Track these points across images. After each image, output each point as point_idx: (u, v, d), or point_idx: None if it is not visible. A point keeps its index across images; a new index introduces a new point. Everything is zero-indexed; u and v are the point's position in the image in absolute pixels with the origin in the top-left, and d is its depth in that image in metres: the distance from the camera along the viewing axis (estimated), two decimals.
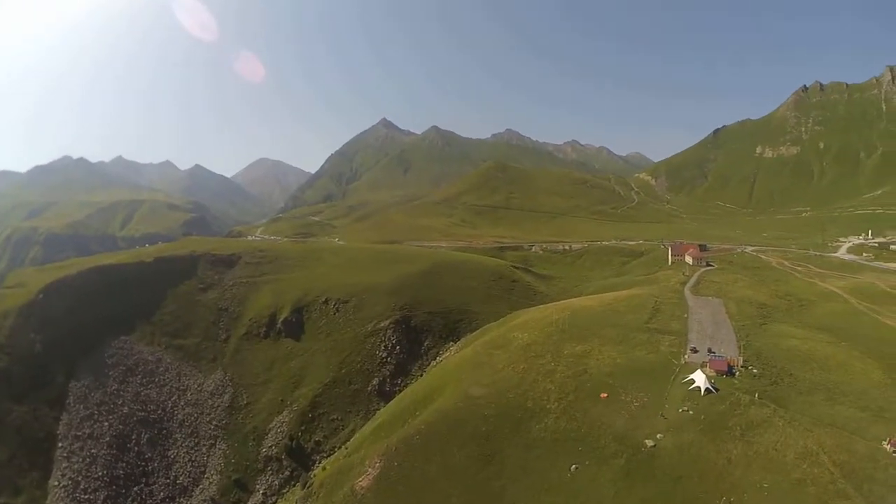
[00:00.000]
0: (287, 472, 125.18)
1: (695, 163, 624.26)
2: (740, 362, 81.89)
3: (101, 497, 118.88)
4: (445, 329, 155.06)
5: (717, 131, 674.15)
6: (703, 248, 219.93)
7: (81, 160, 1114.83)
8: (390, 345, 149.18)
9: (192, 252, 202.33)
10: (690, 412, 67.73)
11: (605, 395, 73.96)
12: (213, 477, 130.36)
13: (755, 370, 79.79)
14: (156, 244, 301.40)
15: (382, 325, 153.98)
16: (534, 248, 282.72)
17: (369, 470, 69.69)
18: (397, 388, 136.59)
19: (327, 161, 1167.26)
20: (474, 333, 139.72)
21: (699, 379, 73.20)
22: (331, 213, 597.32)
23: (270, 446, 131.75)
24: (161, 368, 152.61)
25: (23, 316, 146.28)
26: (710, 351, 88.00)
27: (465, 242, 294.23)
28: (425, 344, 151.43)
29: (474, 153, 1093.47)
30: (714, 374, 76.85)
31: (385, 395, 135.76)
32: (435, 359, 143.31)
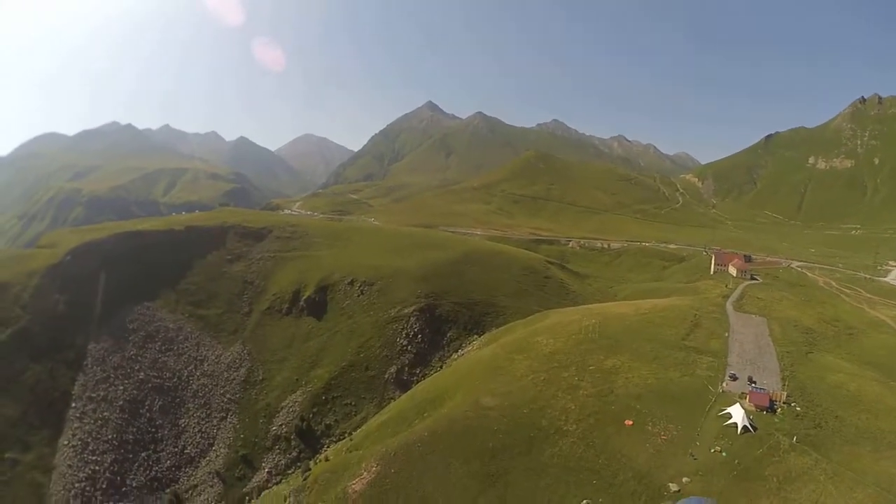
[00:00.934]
0: (294, 453, 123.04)
1: (744, 168, 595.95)
2: (783, 397, 74.29)
3: (109, 460, 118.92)
4: (471, 321, 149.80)
5: (769, 137, 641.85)
6: (747, 259, 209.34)
7: (129, 126, 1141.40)
8: (412, 333, 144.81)
9: (223, 223, 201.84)
10: (724, 454, 61.19)
11: (630, 422, 67.71)
12: (221, 450, 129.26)
13: (798, 408, 72.38)
14: (193, 212, 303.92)
15: (406, 311, 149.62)
16: (571, 243, 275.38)
17: (364, 473, 65.45)
18: (415, 379, 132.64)
19: (370, 140, 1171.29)
20: (499, 330, 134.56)
21: (737, 414, 66.29)
22: (370, 192, 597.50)
23: (281, 425, 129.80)
24: (181, 337, 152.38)
25: (49, 276, 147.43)
26: (750, 380, 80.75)
27: (500, 232, 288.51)
28: (448, 335, 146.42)
29: (518, 141, 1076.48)
30: (754, 408, 69.88)
31: (402, 385, 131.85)
32: (457, 351, 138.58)
